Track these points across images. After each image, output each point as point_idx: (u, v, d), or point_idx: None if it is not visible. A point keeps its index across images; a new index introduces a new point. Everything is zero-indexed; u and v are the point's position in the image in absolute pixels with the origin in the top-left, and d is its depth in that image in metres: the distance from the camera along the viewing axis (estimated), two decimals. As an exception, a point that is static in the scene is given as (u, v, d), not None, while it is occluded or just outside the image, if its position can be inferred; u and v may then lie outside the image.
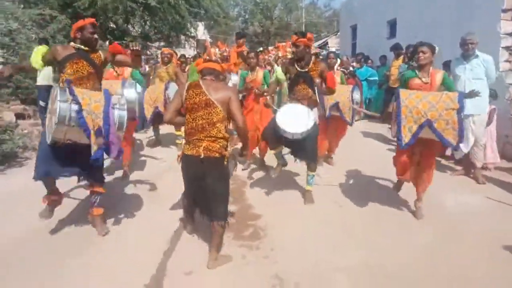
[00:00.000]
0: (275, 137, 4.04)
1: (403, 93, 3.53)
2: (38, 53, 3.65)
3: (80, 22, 3.37)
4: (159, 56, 8.08)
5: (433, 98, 3.40)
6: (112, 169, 5.19)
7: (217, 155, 2.96)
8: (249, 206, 4.25)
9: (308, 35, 4.16)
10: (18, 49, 8.72)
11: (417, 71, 3.81)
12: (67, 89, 3.00)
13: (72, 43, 3.39)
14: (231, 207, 4.13)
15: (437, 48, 3.82)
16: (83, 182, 3.99)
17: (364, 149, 6.71)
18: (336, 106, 5.22)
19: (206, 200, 3.11)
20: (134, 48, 3.41)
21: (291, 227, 3.72)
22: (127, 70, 5.19)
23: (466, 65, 4.86)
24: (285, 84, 4.63)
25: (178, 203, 4.22)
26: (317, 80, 4.20)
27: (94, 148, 3.04)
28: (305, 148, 4.05)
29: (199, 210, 3.34)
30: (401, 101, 3.46)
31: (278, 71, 4.45)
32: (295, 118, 3.86)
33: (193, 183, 3.14)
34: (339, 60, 7.05)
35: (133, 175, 5.24)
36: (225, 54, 9.86)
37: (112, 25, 12.83)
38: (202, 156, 2.92)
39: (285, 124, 3.83)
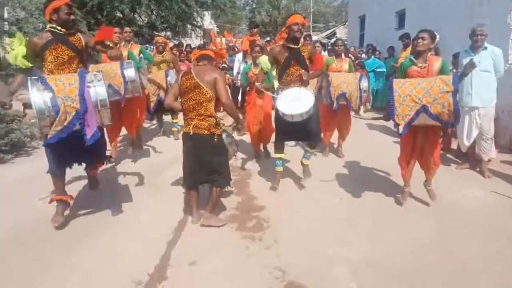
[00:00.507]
0: (283, 133, 4.21)
1: (396, 82, 3.53)
2: (19, 54, 3.42)
3: (55, 3, 3.22)
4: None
5: (427, 84, 3.39)
6: (116, 159, 5.24)
7: (206, 132, 3.39)
8: (252, 197, 4.28)
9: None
10: (26, 38, 8.77)
11: (413, 59, 3.79)
12: (39, 79, 2.91)
13: (48, 27, 3.27)
14: (234, 198, 4.22)
15: (437, 36, 3.79)
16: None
17: (369, 142, 6.69)
18: (343, 95, 5.19)
19: (203, 171, 3.52)
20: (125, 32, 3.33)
21: (294, 219, 3.74)
22: (125, 53, 5.15)
23: (474, 57, 4.76)
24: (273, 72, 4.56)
25: (181, 194, 4.27)
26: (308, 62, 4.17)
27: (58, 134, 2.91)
28: (309, 128, 4.09)
29: (198, 180, 3.62)
30: (394, 90, 3.46)
31: (263, 60, 4.31)
32: (295, 101, 3.89)
33: (189, 156, 3.53)
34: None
35: (136, 166, 5.28)
36: (231, 44, 9.84)
37: (118, 14, 12.82)
38: (191, 133, 3.39)
39: (287, 109, 3.86)
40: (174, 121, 6.75)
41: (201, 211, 3.67)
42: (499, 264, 2.98)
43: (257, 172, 5.12)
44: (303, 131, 4.11)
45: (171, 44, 10.33)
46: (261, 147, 5.75)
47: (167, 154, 5.79)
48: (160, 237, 3.34)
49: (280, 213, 3.87)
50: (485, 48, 4.74)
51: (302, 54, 4.08)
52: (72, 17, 3.28)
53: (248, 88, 5.69)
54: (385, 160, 5.01)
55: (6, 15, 9.65)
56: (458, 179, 4.83)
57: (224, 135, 3.67)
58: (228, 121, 8.33)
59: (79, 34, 3.42)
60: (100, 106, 3.06)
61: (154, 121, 7.55)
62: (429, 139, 3.80)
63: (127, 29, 5.87)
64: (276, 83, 4.62)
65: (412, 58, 3.83)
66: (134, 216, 3.76)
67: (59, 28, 3.24)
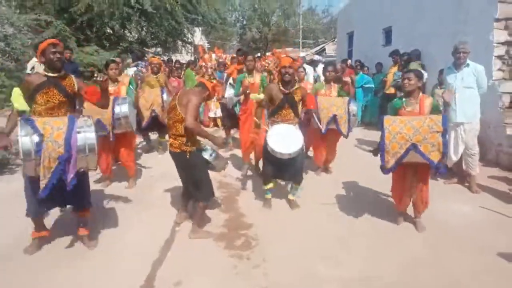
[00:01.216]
0: (271, 166, 4.27)
1: (386, 120, 3.56)
2: (16, 95, 3.52)
3: (41, 45, 3.22)
4: (145, 65, 8.17)
5: (417, 123, 3.44)
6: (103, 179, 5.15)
7: (177, 150, 3.57)
8: (241, 215, 4.22)
9: (297, 58, 4.44)
10: (13, 54, 8.72)
11: (404, 99, 3.82)
12: (28, 122, 2.93)
13: (41, 70, 3.29)
14: (222, 215, 4.16)
15: (425, 75, 3.85)
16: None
17: (359, 158, 6.69)
18: (334, 118, 5.15)
19: (185, 185, 3.85)
20: (100, 79, 3.32)
21: (283, 237, 3.69)
22: (123, 88, 5.08)
23: (457, 74, 4.87)
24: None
25: (168, 212, 4.21)
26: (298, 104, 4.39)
27: (43, 182, 2.95)
28: (294, 169, 4.27)
29: (186, 193, 3.95)
30: (385, 128, 3.49)
31: (257, 97, 4.75)
32: (285, 139, 4.06)
33: (178, 172, 3.79)
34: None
35: (124, 184, 5.19)
36: (221, 60, 9.88)
37: (108, 30, 12.85)
38: (168, 150, 3.72)
39: (277, 146, 4.01)
40: (162, 140, 6.81)
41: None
42: (489, 277, 2.99)
43: (245, 189, 5.07)
44: (289, 170, 4.27)
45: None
46: (253, 162, 5.72)
47: (154, 172, 5.72)
48: (146, 256, 3.27)
49: (269, 231, 3.82)
50: (468, 65, 4.82)
51: (295, 99, 4.28)
52: (57, 56, 3.19)
53: (242, 98, 5.66)
54: (376, 177, 4.97)
55: (-6, 31, 9.59)
56: (447, 194, 4.84)
57: (205, 152, 3.76)
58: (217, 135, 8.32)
59: (72, 77, 3.38)
60: (88, 151, 3.04)
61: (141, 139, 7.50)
62: (418, 177, 3.78)
63: (117, 59, 5.79)
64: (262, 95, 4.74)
65: (402, 100, 3.84)
66: (121, 235, 3.68)
67: (51, 74, 3.22)
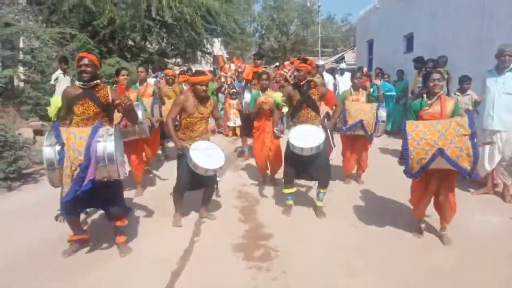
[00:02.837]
0: (293, 167, 4.25)
1: (409, 125, 3.36)
2: (54, 105, 3.73)
3: (77, 57, 3.37)
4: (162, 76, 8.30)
5: (442, 127, 3.22)
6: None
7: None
8: (260, 225, 4.15)
9: (310, 61, 4.37)
10: (39, 67, 8.99)
11: (425, 100, 3.65)
12: (54, 133, 3.02)
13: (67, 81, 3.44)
14: (241, 226, 4.11)
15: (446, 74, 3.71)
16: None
17: (381, 167, 6.53)
18: (360, 123, 5.04)
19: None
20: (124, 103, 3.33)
21: (304, 249, 3.59)
22: (133, 96, 5.12)
23: (498, 78, 4.61)
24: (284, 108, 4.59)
25: (186, 221, 4.18)
26: (318, 102, 4.31)
27: (64, 189, 3.00)
28: (319, 166, 4.17)
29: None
30: (408, 134, 3.29)
31: (277, 97, 4.54)
32: (307, 136, 4.02)
33: None
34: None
35: (145, 191, 5.22)
36: (240, 70, 9.91)
37: (130, 42, 13.12)
38: None
39: (298, 142, 3.97)
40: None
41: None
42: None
43: (265, 199, 5.01)
44: (312, 168, 4.19)
45: (178, 70, 10.52)
46: (269, 175, 5.69)
47: (172, 180, 5.70)
48: (164, 267, 3.23)
49: (289, 241, 3.72)
50: (511, 69, 4.57)
51: (313, 97, 4.22)
52: (82, 68, 3.28)
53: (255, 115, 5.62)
54: (399, 187, 4.83)
55: (21, 45, 9.93)
56: (475, 205, 4.65)
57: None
58: (234, 146, 8.32)
59: (107, 88, 3.45)
60: (108, 160, 3.05)
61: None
62: (444, 184, 3.57)
63: (141, 69, 5.91)
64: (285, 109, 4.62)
65: (424, 99, 3.68)
66: (138, 244, 3.66)
67: (85, 86, 3.32)
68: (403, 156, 3.37)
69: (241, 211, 4.58)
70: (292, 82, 4.35)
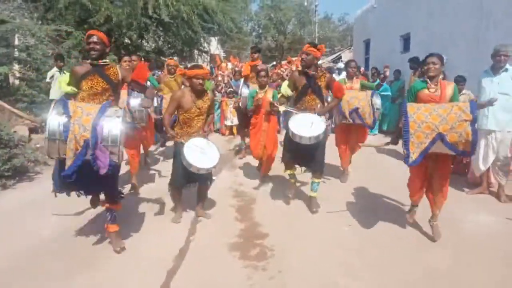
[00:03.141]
0: (290, 153, 4.29)
1: (410, 107, 3.32)
2: (63, 82, 3.72)
3: (86, 35, 3.44)
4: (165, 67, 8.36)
5: (444, 111, 3.20)
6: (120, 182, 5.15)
7: None
8: (256, 224, 4.14)
9: (320, 46, 4.26)
10: (34, 64, 8.93)
11: (428, 82, 3.65)
12: (62, 103, 2.97)
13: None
14: (237, 225, 4.10)
15: (445, 58, 3.70)
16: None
17: (378, 166, 6.55)
18: (356, 111, 5.06)
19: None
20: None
21: (300, 248, 3.58)
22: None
23: (494, 78, 4.63)
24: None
25: (182, 220, 4.17)
26: (324, 90, 4.28)
27: (68, 163, 2.92)
28: (315, 156, 4.23)
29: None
30: (409, 116, 3.24)
31: (284, 85, 4.52)
32: (307, 125, 4.00)
33: None
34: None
35: (142, 189, 5.20)
36: (236, 68, 9.91)
37: (126, 40, 13.06)
38: None
39: (297, 130, 3.96)
40: None
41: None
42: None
43: (261, 198, 4.99)
44: (309, 157, 4.23)
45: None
46: (261, 175, 5.72)
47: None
48: (160, 265, 3.22)
49: (285, 241, 3.71)
50: (506, 69, 4.59)
51: (319, 83, 4.18)
52: (91, 46, 3.32)
53: (253, 112, 5.64)
54: (394, 186, 4.86)
55: (16, 42, 9.86)
56: (470, 204, 4.66)
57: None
58: (230, 145, 8.31)
59: (116, 67, 3.48)
60: (111, 142, 3.00)
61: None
62: (439, 170, 3.60)
63: (134, 57, 5.79)
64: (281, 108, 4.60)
65: (424, 80, 3.69)
66: (134, 243, 3.64)
67: (95, 62, 3.34)
68: (402, 140, 3.31)
69: (237, 210, 4.57)
70: (299, 68, 4.35)
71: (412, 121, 3.21)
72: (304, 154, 4.21)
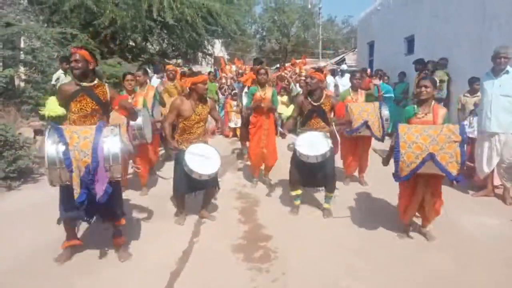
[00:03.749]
0: (299, 172, 4.29)
1: (401, 128, 3.39)
2: (53, 103, 3.61)
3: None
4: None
5: (434, 132, 3.26)
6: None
7: None
8: (260, 226, 4.14)
9: (324, 71, 4.54)
10: (40, 67, 8.99)
11: (416, 108, 3.68)
12: (56, 131, 2.94)
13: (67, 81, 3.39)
14: (240, 227, 4.10)
15: (438, 82, 3.72)
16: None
17: (380, 169, 6.51)
18: (365, 124, 5.03)
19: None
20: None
21: (304, 250, 3.57)
22: (140, 100, 5.11)
23: (495, 80, 4.62)
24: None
25: (186, 222, 4.17)
26: (329, 114, 4.42)
27: (76, 190, 2.92)
28: (325, 173, 4.23)
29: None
30: (400, 136, 3.31)
31: (289, 110, 4.75)
32: (313, 143, 4.08)
33: None
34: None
35: (139, 193, 5.21)
36: (240, 71, 9.93)
37: (131, 43, 13.13)
38: None
39: (304, 149, 4.04)
40: None
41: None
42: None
43: (264, 200, 4.99)
44: (319, 175, 4.25)
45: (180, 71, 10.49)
46: (264, 176, 5.71)
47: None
48: (163, 267, 3.22)
49: (288, 243, 3.71)
50: (507, 71, 4.58)
51: (324, 108, 4.31)
52: (73, 64, 3.24)
53: (252, 111, 5.58)
54: (395, 188, 4.82)
55: (22, 45, 9.93)
56: (475, 207, 4.64)
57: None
58: (234, 147, 8.31)
59: (105, 86, 3.43)
60: (112, 161, 3.01)
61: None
62: (430, 189, 3.60)
63: (137, 73, 5.61)
64: (283, 110, 4.74)
65: (414, 108, 3.72)
66: (137, 245, 3.65)
67: (84, 84, 3.28)
68: (389, 156, 3.44)
69: (241, 212, 4.58)
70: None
71: (403, 142, 3.28)
72: (314, 172, 4.22)
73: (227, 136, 9.83)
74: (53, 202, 3.35)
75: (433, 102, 3.67)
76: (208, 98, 4.21)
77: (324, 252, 3.53)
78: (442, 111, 3.65)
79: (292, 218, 4.36)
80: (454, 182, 3.24)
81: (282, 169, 5.35)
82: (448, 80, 7.96)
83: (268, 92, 5.44)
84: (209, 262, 3.35)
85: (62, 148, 2.89)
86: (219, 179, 4.33)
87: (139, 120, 4.48)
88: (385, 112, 5.06)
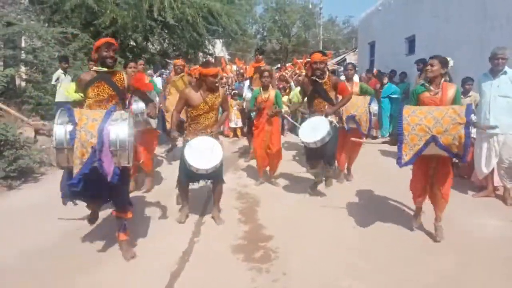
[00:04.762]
0: (310, 156, 4.62)
1: (406, 110, 3.37)
2: (71, 89, 3.67)
3: (97, 42, 3.36)
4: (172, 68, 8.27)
5: (439, 114, 3.23)
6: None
7: None
8: (260, 226, 4.13)
9: (328, 53, 4.48)
10: (41, 66, 9.00)
11: (427, 85, 3.67)
12: (67, 112, 2.94)
13: (93, 67, 3.42)
14: (241, 227, 4.10)
15: (450, 62, 3.69)
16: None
17: (380, 168, 6.52)
18: (353, 118, 5.10)
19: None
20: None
21: (304, 250, 3.57)
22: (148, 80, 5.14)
23: (493, 81, 4.63)
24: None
25: (187, 221, 4.17)
26: (332, 92, 4.58)
27: (75, 170, 2.89)
28: (326, 150, 4.45)
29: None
30: (403, 118, 3.29)
31: (295, 92, 4.82)
32: (314, 130, 4.34)
33: None
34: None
35: (142, 192, 5.20)
36: (241, 71, 9.93)
37: (132, 42, 13.11)
38: None
39: (305, 137, 4.36)
40: None
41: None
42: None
43: (265, 200, 4.99)
44: (320, 154, 4.51)
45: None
46: (269, 176, 5.70)
47: (174, 180, 5.68)
48: (163, 267, 3.22)
49: (289, 243, 3.71)
50: (505, 72, 4.59)
51: (325, 87, 4.49)
52: (111, 54, 3.31)
53: (256, 113, 5.64)
54: (397, 187, 4.84)
55: (23, 44, 9.93)
56: (475, 208, 4.63)
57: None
58: (234, 146, 8.33)
59: (123, 73, 3.47)
60: (119, 146, 2.98)
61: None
62: (439, 172, 3.61)
63: (141, 62, 5.81)
64: (284, 108, 4.83)
65: (425, 83, 3.71)
66: (138, 244, 3.64)
67: (102, 69, 3.32)
68: (395, 139, 3.39)
69: (241, 212, 4.57)
70: (310, 75, 4.60)
71: (406, 124, 3.27)
72: (316, 152, 4.47)
73: (227, 136, 9.83)
74: (54, 202, 3.36)
75: (442, 80, 3.65)
76: (220, 88, 4.19)
77: (325, 252, 3.52)
78: (452, 88, 3.61)
79: (293, 218, 4.35)
80: (455, 159, 3.29)
81: (283, 169, 5.36)
82: (449, 80, 7.94)
83: (271, 94, 5.44)
84: (209, 262, 3.35)
85: (70, 128, 2.88)
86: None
87: (142, 104, 4.44)
88: (374, 107, 5.16)
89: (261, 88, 5.51)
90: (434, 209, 3.78)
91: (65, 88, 3.58)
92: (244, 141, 8.71)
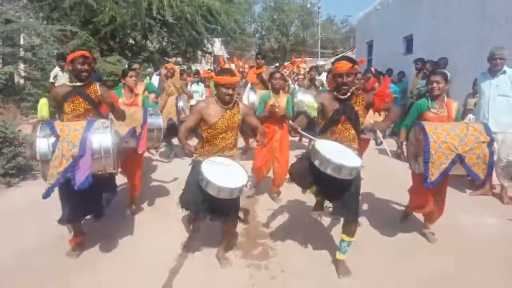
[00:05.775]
0: (306, 176, 3.04)
1: (428, 127, 3.21)
2: (43, 106, 3.56)
3: (71, 55, 3.28)
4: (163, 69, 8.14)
5: (460, 131, 3.17)
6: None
7: None
8: (258, 224, 4.16)
9: (360, 60, 3.31)
10: (39, 64, 8.98)
11: (430, 103, 3.62)
12: (48, 125, 2.97)
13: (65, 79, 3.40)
14: (239, 224, 4.09)
15: (448, 75, 3.72)
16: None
17: (381, 168, 6.55)
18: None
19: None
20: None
21: (302, 248, 3.60)
22: (139, 99, 4.73)
23: (492, 81, 4.68)
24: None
25: (185, 220, 4.18)
26: (362, 118, 3.18)
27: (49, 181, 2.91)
28: (348, 196, 3.04)
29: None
30: (429, 136, 3.14)
31: (311, 105, 3.25)
32: (340, 153, 2.90)
33: None
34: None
35: (143, 190, 5.18)
36: (240, 69, 9.92)
37: (131, 41, 13.10)
38: None
39: (332, 156, 2.75)
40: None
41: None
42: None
43: (264, 197, 5.01)
44: (339, 196, 3.07)
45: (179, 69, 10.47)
46: (271, 190, 5.11)
47: (172, 179, 5.71)
48: (162, 265, 3.24)
49: (287, 240, 3.73)
50: (504, 72, 4.64)
51: (356, 108, 3.08)
52: (85, 67, 3.27)
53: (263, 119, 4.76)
54: (396, 187, 4.86)
55: (22, 42, 9.91)
56: (473, 206, 4.67)
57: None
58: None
59: (96, 85, 3.42)
60: (104, 153, 3.02)
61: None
62: (443, 188, 3.59)
63: (136, 65, 5.36)
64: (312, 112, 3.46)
65: (429, 101, 3.65)
66: (136, 243, 3.67)
67: (76, 84, 3.29)
68: (423, 160, 3.16)
69: (240, 209, 4.57)
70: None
71: (433, 141, 3.14)
72: (333, 189, 3.06)
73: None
74: (52, 200, 3.35)
75: (445, 97, 3.66)
76: (239, 102, 3.36)
77: (324, 250, 3.55)
78: (454, 105, 3.63)
79: (291, 216, 4.37)
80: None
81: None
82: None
83: (283, 99, 4.76)
84: (208, 259, 3.37)
85: (52, 140, 2.91)
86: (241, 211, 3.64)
87: (159, 120, 4.36)
88: None
89: (271, 92, 4.83)
90: (425, 221, 3.81)
91: (37, 109, 3.44)
92: (241, 141, 8.68)
